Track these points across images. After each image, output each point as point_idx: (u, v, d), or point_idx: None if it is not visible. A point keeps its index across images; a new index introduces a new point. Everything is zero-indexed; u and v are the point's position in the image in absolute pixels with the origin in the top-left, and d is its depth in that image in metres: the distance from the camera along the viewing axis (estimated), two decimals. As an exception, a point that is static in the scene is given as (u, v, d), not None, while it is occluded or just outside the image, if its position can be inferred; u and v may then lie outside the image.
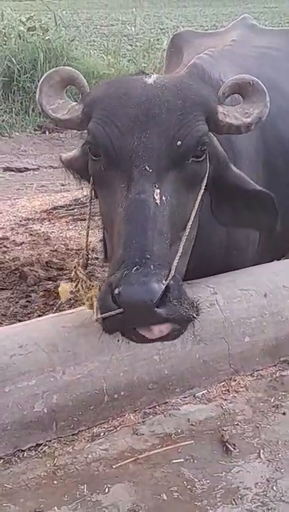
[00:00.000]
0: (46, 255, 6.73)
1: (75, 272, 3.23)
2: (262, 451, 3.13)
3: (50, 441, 3.16)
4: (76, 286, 3.17)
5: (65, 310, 4.68)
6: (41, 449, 3.12)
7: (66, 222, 7.66)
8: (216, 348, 3.52)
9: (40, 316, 5.65)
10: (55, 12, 13.96)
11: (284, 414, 3.38)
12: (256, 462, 3.06)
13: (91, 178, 3.07)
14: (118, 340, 3.15)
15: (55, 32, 13.60)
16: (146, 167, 2.71)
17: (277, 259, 4.36)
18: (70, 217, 7.81)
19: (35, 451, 3.11)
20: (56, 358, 3.14)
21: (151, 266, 2.52)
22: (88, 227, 3.24)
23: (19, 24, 13.32)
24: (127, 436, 3.21)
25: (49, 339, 3.19)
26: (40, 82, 3.13)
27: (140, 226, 2.62)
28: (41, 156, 11.43)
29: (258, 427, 3.29)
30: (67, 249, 6.87)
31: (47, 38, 13.20)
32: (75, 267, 3.23)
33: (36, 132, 12.35)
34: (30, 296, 5.94)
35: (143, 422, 3.31)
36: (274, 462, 3.06)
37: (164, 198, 2.71)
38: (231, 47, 4.64)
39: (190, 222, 2.87)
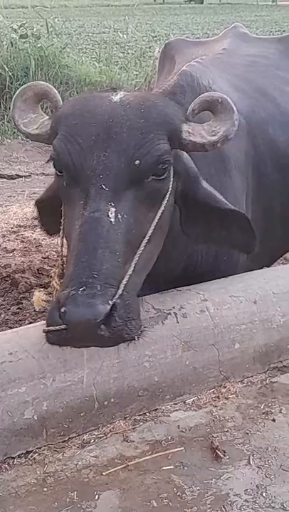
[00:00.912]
0: (38, 262, 6.72)
1: (51, 282, 3.26)
2: (252, 457, 3.14)
3: (40, 448, 3.15)
4: (52, 295, 3.19)
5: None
6: (31, 456, 3.12)
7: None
8: (206, 355, 3.52)
9: (31, 323, 5.65)
10: (46, 20, 13.97)
11: (274, 420, 3.39)
12: (246, 469, 3.06)
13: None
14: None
15: (47, 39, 13.61)
16: (103, 185, 2.75)
17: (268, 266, 4.38)
18: None
19: (26, 458, 3.11)
20: (46, 364, 3.14)
21: (98, 286, 2.55)
22: (62, 237, 3.22)
23: (11, 31, 13.33)
24: (117, 443, 3.22)
25: (39, 346, 3.16)
26: (14, 96, 3.20)
27: (91, 244, 2.66)
28: (33, 163, 11.43)
29: (247, 434, 3.29)
30: (59, 257, 6.84)
31: (39, 45, 13.22)
32: (51, 277, 3.25)
33: (28, 139, 12.33)
34: (22, 303, 5.93)
35: (133, 428, 3.31)
36: (264, 469, 3.07)
37: (119, 217, 2.74)
38: (221, 55, 4.68)
39: (145, 239, 2.87)
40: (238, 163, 3.85)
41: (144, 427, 3.33)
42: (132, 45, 19.38)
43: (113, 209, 2.74)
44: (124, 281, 2.67)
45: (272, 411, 3.45)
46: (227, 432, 3.31)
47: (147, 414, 3.40)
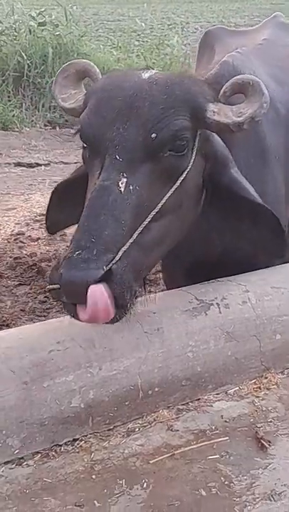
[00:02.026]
0: (63, 251, 6.74)
1: None
2: (297, 448, 3.16)
3: (86, 436, 3.19)
4: None
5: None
6: (78, 444, 3.15)
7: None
8: (248, 346, 3.55)
9: (58, 311, 5.69)
10: (65, 7, 13.96)
11: (316, 411, 3.41)
12: (292, 459, 3.10)
13: None
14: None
15: (66, 27, 13.61)
16: (117, 156, 2.82)
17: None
18: None
19: (72, 445, 3.15)
20: (93, 354, 3.18)
21: (94, 251, 2.61)
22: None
23: (29, 19, 13.34)
24: (161, 432, 3.25)
25: (85, 335, 3.21)
26: (57, 73, 3.35)
27: (95, 211, 2.72)
28: (52, 151, 11.47)
29: (291, 424, 3.32)
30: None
31: (57, 33, 13.23)
32: None
33: (46, 128, 12.39)
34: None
35: (177, 418, 3.34)
36: (309, 459, 3.10)
37: (130, 188, 2.79)
38: (262, 46, 4.67)
39: (153, 212, 2.90)
40: (278, 154, 3.86)
41: (187, 417, 3.36)
42: (147, 33, 19.33)
43: (124, 179, 2.80)
44: (123, 249, 2.70)
45: (315, 402, 3.48)
46: (270, 422, 3.34)
47: (190, 403, 3.43)
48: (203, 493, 2.90)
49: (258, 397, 3.51)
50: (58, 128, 12.33)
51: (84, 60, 3.42)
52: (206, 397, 3.48)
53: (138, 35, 19.31)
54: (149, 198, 2.88)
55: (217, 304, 3.50)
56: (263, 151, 3.74)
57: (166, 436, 3.23)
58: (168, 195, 2.96)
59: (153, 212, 2.89)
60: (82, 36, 13.79)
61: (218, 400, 3.48)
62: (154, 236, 2.93)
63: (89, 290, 2.56)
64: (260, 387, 3.57)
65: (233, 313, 3.52)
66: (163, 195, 2.95)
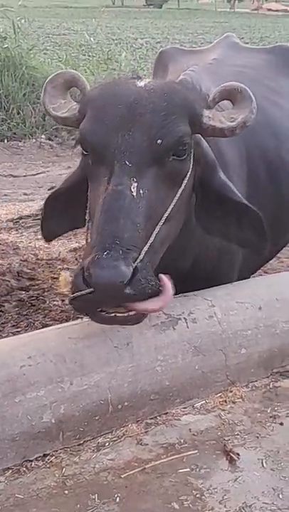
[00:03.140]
0: (17, 265, 6.71)
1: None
2: (264, 460, 3.23)
3: (56, 451, 3.19)
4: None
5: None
6: (48, 459, 3.15)
7: (34, 232, 7.64)
8: (214, 360, 3.61)
9: (14, 326, 5.66)
10: (13, 20, 13.90)
11: (281, 424, 3.49)
12: (260, 471, 3.15)
13: None
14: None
15: (14, 40, 13.55)
16: (127, 162, 2.91)
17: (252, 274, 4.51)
18: (38, 227, 7.78)
19: (43, 461, 3.14)
20: (64, 369, 3.18)
21: (120, 251, 2.71)
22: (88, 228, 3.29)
23: (-23, 32, 13.24)
24: (131, 446, 3.27)
25: (56, 350, 3.23)
26: (45, 83, 3.38)
27: (113, 215, 2.81)
28: (0, 164, 11.38)
29: (258, 437, 3.38)
30: (38, 259, 6.85)
31: (5, 46, 13.16)
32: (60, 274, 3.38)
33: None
34: (4, 306, 5.92)
35: (146, 432, 3.37)
36: (277, 471, 3.16)
37: (141, 192, 2.89)
38: (211, 65, 4.79)
39: (166, 214, 3.02)
40: (236, 170, 3.95)
41: (156, 430, 3.39)
42: (94, 47, 19.38)
43: (135, 184, 2.89)
44: (145, 249, 2.82)
45: (279, 415, 3.55)
46: (237, 435, 3.40)
47: (158, 417, 3.47)
48: (176, 506, 2.94)
49: (224, 410, 3.57)
50: (5, 141, 12.25)
51: (70, 71, 3.51)
52: (173, 411, 3.52)
53: (84, 49, 19.36)
54: (157, 201, 2.98)
55: (184, 318, 3.55)
56: (226, 166, 3.83)
57: (136, 451, 3.25)
58: (176, 197, 3.08)
59: (166, 215, 3.01)
60: (30, 50, 13.74)
61: (186, 414, 3.52)
62: (162, 238, 3.03)
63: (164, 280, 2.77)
64: (225, 401, 3.63)
65: (200, 327, 3.57)
66: (169, 198, 3.06)
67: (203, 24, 30.20)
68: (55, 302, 5.77)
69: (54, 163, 11.36)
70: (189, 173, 3.16)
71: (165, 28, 28.34)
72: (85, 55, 18.76)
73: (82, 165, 3.33)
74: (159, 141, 2.96)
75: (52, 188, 8.20)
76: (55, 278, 6.18)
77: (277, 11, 43.51)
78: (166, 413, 3.50)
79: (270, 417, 3.54)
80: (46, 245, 7.16)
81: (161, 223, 2.98)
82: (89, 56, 18.20)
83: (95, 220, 2.94)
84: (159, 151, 2.98)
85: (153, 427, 3.42)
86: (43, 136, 12.44)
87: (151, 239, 2.89)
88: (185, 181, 3.13)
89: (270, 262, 5.83)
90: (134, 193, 2.87)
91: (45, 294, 5.95)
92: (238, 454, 3.24)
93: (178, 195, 3.09)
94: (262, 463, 3.21)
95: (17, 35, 13.80)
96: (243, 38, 24.95)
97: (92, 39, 18.91)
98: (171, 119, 3.02)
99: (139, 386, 3.36)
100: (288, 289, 3.96)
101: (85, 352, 3.26)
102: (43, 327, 4.95)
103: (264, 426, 3.47)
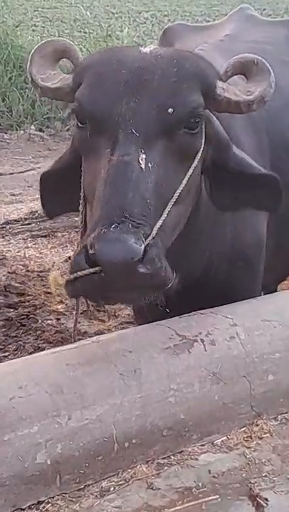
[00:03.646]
0: (4, 278, 6.74)
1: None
2: (297, 506, 3.21)
3: (53, 497, 3.18)
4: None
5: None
6: (44, 508, 3.14)
7: (23, 239, 7.67)
8: (237, 388, 3.61)
9: (1, 350, 5.66)
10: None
11: (316, 463, 3.47)
12: (293, 519, 3.14)
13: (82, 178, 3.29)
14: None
15: (-1, 16, 13.67)
16: (133, 130, 2.94)
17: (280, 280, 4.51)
18: (28, 234, 7.83)
19: (37, 509, 3.13)
20: (61, 400, 3.18)
21: (130, 225, 2.73)
22: (84, 213, 3.38)
23: None
24: (140, 490, 3.26)
25: (52, 379, 3.23)
26: (32, 52, 3.40)
27: (121, 186, 2.84)
28: (-15, 161, 11.41)
29: (289, 479, 3.37)
30: (28, 271, 6.87)
31: (-11, 23, 13.26)
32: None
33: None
34: (-11, 324, 5.94)
35: (158, 474, 3.36)
36: (312, 519, 3.15)
37: (149, 165, 2.92)
38: (222, 42, 4.84)
39: (179, 190, 3.06)
40: (255, 156, 3.96)
41: (169, 472, 3.38)
42: (91, 23, 19.47)
43: (143, 155, 2.92)
44: (157, 225, 2.85)
45: (314, 452, 3.54)
46: (265, 476, 3.39)
47: (172, 457, 3.46)
48: None
49: (249, 447, 3.56)
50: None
51: (61, 39, 3.55)
52: (190, 449, 3.51)
53: (80, 25, 19.45)
54: (167, 178, 3.01)
55: (201, 339, 3.55)
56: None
57: (146, 496, 3.24)
58: (188, 175, 3.12)
59: (177, 193, 3.04)
60: (16, 26, 13.84)
61: (205, 452, 3.51)
62: (173, 220, 3.08)
63: None
64: (251, 437, 3.62)
65: (220, 350, 3.57)
66: (179, 176, 3.09)
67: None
68: (48, 321, 5.80)
69: (46, 158, 11.36)
70: (201, 150, 3.19)
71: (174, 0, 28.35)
72: (80, 31, 18.84)
73: (76, 140, 3.36)
74: (170, 110, 2.98)
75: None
76: (48, 293, 6.20)
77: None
78: (182, 452, 3.49)
79: (303, 455, 3.53)
80: (37, 254, 7.19)
81: (172, 202, 3.00)
82: (85, 33, 18.27)
83: (96, 194, 2.94)
84: (170, 121, 3.00)
85: (166, 468, 3.40)
86: (32, 127, 12.52)
87: (164, 216, 2.91)
88: (197, 158, 3.17)
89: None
90: (143, 166, 2.89)
91: (37, 311, 5.98)
92: (267, 500, 3.22)
93: (189, 173, 3.13)
94: (295, 509, 3.20)
95: (1, 10, 13.90)
96: (265, 9, 24.96)
97: (88, 13, 18.93)
98: (182, 87, 3.06)
99: (149, 420, 3.36)
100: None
101: (86, 380, 3.26)
102: (35, 351, 4.96)
103: (296, 466, 3.46)
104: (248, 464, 3.46)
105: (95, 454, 3.25)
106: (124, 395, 3.30)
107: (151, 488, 3.28)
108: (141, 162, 2.89)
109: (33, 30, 17.79)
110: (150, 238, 2.76)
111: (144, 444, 3.38)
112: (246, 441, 3.59)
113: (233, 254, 3.82)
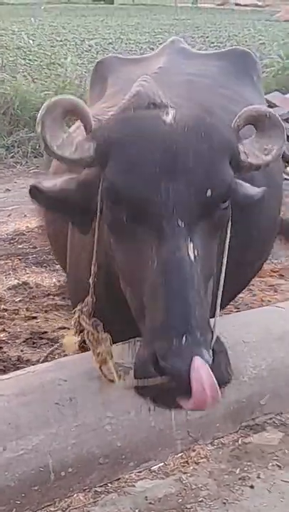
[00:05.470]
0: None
1: (78, 321, 3.31)
2: (233, 530, 3.24)
3: (-12, 530, 3.17)
4: (79, 334, 3.31)
5: None
6: None
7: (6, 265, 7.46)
8: (173, 414, 3.62)
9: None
10: None
11: (252, 487, 3.51)
12: None
13: (98, 215, 3.16)
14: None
15: None
16: (179, 221, 2.84)
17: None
18: (10, 264, 7.59)
19: None
20: (-5, 431, 3.18)
21: (198, 334, 2.67)
22: (94, 265, 3.28)
23: None
24: (77, 520, 3.27)
25: (-15, 409, 3.22)
26: (42, 114, 3.13)
27: (180, 290, 2.76)
28: None
29: (224, 503, 3.40)
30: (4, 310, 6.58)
31: None
32: (78, 315, 3.32)
33: None
34: None
35: (94, 502, 3.37)
36: None
37: (196, 253, 2.85)
38: (157, 75, 4.79)
39: (223, 273, 3.13)
40: None
41: (106, 500, 3.39)
42: (35, 50, 19.49)
43: (191, 245, 2.84)
44: (214, 323, 2.86)
45: (250, 476, 3.58)
46: (202, 501, 3.41)
47: (109, 484, 3.47)
48: None
49: (185, 473, 3.59)
50: None
51: (68, 97, 3.26)
52: (127, 476, 3.52)
53: (24, 52, 19.45)
54: (207, 258, 2.96)
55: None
56: None
57: (82, 525, 3.25)
58: (226, 250, 3.15)
59: (223, 273, 3.12)
60: None
61: (141, 479, 3.53)
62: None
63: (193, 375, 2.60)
64: (187, 462, 3.65)
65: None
66: (213, 249, 3.06)
67: (161, 22, 30.55)
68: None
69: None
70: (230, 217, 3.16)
71: (118, 27, 28.51)
72: (24, 59, 18.79)
73: (108, 218, 3.09)
74: (208, 193, 2.90)
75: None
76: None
77: (246, 5, 44.19)
78: (119, 479, 3.50)
79: (239, 479, 3.56)
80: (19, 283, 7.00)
81: (221, 285, 3.08)
82: (29, 60, 18.25)
83: (149, 291, 2.84)
84: (210, 203, 2.93)
85: (103, 495, 3.41)
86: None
87: (218, 309, 2.99)
88: (229, 226, 3.15)
89: (242, 296, 5.91)
90: (192, 256, 2.83)
91: None
92: (202, 525, 3.25)
93: (227, 245, 3.16)
94: (230, 533, 3.23)
95: None
96: (208, 37, 25.34)
97: (30, 41, 18.97)
98: (217, 166, 2.98)
99: (86, 448, 3.37)
100: (256, 329, 4.00)
101: (21, 411, 3.26)
102: None
103: (232, 490, 3.50)
104: (185, 489, 3.49)
105: (31, 484, 3.24)
106: (60, 424, 3.31)
107: (88, 517, 3.29)
108: (190, 254, 2.82)
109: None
110: (214, 341, 2.75)
111: (81, 473, 3.38)
112: (183, 466, 3.62)
113: None
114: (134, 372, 2.80)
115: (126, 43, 23.70)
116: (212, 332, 2.78)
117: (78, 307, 3.35)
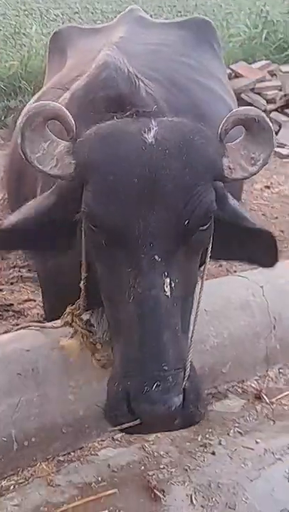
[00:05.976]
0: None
1: (73, 321, 3.32)
2: (194, 496, 3.29)
3: None
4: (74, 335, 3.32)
5: None
6: None
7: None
8: (135, 383, 3.65)
9: None
10: None
11: (213, 453, 3.56)
12: (189, 509, 3.22)
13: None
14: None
15: None
16: (156, 256, 2.78)
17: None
18: None
19: None
20: None
21: (170, 378, 2.66)
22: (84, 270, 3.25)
23: None
24: (41, 488, 3.30)
25: None
26: (22, 125, 3.02)
27: (153, 329, 2.72)
28: None
29: (186, 470, 3.45)
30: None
31: None
32: (73, 315, 3.32)
33: None
34: None
35: (58, 471, 3.40)
36: (208, 508, 3.23)
37: (172, 285, 2.80)
38: (118, 44, 4.73)
39: (199, 304, 3.07)
40: None
41: (69, 469, 3.42)
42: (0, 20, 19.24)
43: (168, 280, 2.78)
44: (188, 360, 2.78)
45: (211, 443, 3.63)
46: (163, 468, 3.45)
47: (72, 453, 3.50)
48: None
49: (148, 441, 3.62)
50: None
51: (51, 103, 3.19)
52: (90, 445, 3.55)
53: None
54: (185, 286, 2.89)
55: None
56: None
57: (46, 493, 3.28)
58: (205, 275, 3.09)
59: (200, 305, 3.06)
60: None
61: (104, 448, 3.56)
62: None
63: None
64: (150, 430, 3.68)
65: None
66: (193, 273, 3.00)
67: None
68: None
69: None
70: (212, 240, 3.08)
71: (84, -4, 28.27)
72: (-13, 28, 18.57)
73: (89, 238, 3.05)
74: (186, 222, 2.81)
75: None
76: None
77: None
78: (82, 448, 3.54)
79: (201, 445, 3.61)
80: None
81: (197, 317, 3.02)
82: (-6, 30, 18.04)
83: (125, 323, 2.82)
84: (187, 231, 2.84)
85: (66, 464, 3.45)
86: None
87: (192, 344, 2.91)
88: (209, 249, 3.08)
89: (208, 267, 5.93)
90: (168, 293, 2.76)
91: None
92: (164, 491, 3.29)
93: (206, 270, 3.10)
94: (191, 499, 3.28)
95: None
96: (175, 6, 25.13)
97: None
98: (196, 191, 2.86)
99: (49, 418, 3.39)
100: (220, 299, 4.03)
101: (-18, 382, 3.27)
102: None
103: (194, 456, 3.54)
104: (147, 456, 3.53)
105: (-6, 454, 3.26)
106: (22, 395, 3.32)
107: (51, 485, 3.33)
108: (166, 290, 2.76)
109: None
110: (186, 379, 2.71)
111: (44, 442, 3.41)
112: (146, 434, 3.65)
113: None
114: (106, 409, 2.82)
115: (92, 13, 23.43)
116: (185, 370, 2.74)
117: (68, 310, 3.34)
